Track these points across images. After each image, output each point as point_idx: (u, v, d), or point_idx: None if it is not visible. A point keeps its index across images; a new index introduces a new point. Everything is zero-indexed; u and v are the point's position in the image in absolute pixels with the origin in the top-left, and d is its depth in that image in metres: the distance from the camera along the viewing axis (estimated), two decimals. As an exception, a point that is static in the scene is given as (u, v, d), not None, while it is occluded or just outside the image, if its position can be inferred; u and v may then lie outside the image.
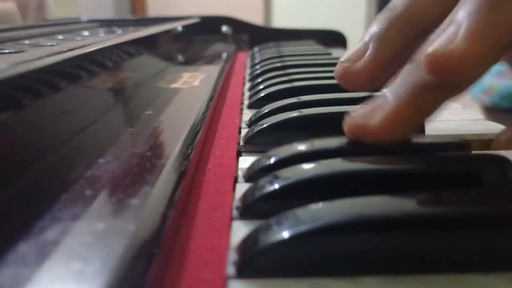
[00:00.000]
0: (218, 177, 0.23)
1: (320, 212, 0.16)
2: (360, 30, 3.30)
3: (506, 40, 0.19)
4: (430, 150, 0.23)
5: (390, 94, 0.21)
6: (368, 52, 0.25)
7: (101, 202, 0.17)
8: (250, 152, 0.27)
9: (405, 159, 0.20)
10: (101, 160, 0.21)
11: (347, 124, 0.22)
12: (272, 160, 0.22)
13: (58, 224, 0.15)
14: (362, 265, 0.15)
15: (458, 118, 0.33)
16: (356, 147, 0.22)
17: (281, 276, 0.15)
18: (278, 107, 0.32)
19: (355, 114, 0.22)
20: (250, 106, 0.39)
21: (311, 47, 0.74)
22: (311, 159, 0.20)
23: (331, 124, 0.27)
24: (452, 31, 0.19)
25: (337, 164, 0.20)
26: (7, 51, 0.29)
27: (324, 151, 0.22)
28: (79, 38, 0.44)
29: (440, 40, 0.19)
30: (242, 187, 0.22)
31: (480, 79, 0.20)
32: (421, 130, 0.28)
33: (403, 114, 0.20)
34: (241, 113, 0.37)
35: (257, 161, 0.24)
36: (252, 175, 0.23)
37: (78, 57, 0.31)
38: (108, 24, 0.77)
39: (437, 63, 0.19)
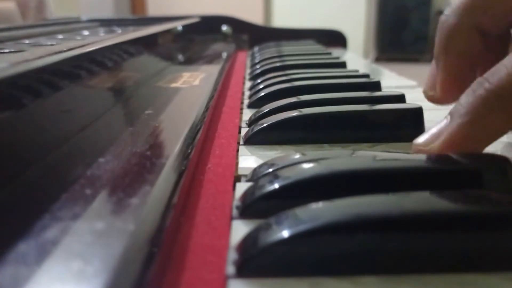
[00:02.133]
0: (218, 177, 0.23)
1: (320, 211, 0.16)
2: (360, 30, 3.30)
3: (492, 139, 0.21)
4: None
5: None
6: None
7: (101, 201, 0.17)
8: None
9: (405, 158, 0.20)
10: (101, 160, 0.21)
11: (413, 151, 0.23)
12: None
13: (58, 223, 0.15)
14: (362, 265, 0.15)
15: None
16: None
17: (281, 276, 0.15)
18: (278, 107, 0.32)
19: (419, 141, 0.23)
20: (250, 106, 0.39)
21: (311, 46, 0.74)
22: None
23: (331, 124, 0.27)
24: (442, 126, 0.22)
25: (337, 164, 0.20)
26: (7, 50, 0.29)
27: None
28: (79, 38, 0.44)
29: (429, 133, 0.22)
30: (242, 187, 0.22)
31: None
32: (421, 123, 0.28)
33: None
34: (241, 113, 0.37)
35: (259, 167, 0.23)
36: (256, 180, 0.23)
37: (78, 56, 0.31)
38: (108, 23, 0.77)
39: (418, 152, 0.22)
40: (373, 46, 3.41)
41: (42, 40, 0.40)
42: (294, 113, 0.29)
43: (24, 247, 0.14)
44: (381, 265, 0.15)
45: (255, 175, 0.23)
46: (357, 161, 0.20)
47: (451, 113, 0.22)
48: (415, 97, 0.40)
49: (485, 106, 0.20)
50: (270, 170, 0.22)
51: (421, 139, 0.22)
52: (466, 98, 0.21)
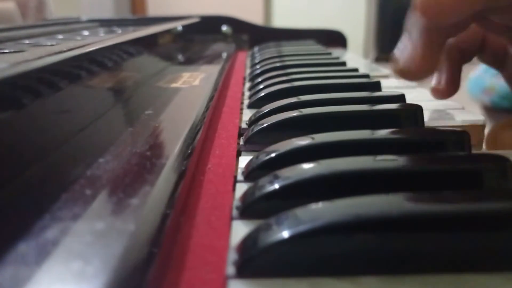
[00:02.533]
0: (218, 177, 0.23)
1: (320, 211, 0.16)
2: (360, 30, 3.30)
3: None
4: (430, 139, 0.24)
5: (407, 40, 0.29)
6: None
7: (101, 201, 0.17)
8: (250, 151, 0.27)
9: (405, 158, 0.20)
10: (101, 160, 0.21)
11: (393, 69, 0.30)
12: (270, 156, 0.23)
13: (58, 223, 0.15)
14: (362, 265, 0.15)
15: (458, 118, 0.33)
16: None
17: (281, 276, 0.15)
18: (278, 107, 0.32)
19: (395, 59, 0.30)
20: (250, 106, 0.39)
21: (311, 47, 0.74)
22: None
23: (331, 124, 0.27)
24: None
25: (337, 164, 0.20)
26: (7, 50, 0.29)
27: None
28: (79, 38, 0.44)
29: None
30: (242, 187, 0.22)
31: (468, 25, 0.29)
32: (421, 123, 0.28)
33: (419, 54, 0.28)
34: (241, 113, 0.37)
35: (255, 157, 0.24)
36: (251, 171, 0.23)
37: (78, 56, 0.31)
38: (108, 23, 0.77)
39: (422, 8, 0.26)
40: (373, 46, 3.41)
41: (42, 40, 0.40)
42: (294, 113, 0.29)
43: (24, 247, 0.14)
44: (381, 265, 0.15)
45: (251, 165, 0.23)
46: (357, 162, 0.20)
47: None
48: (415, 97, 0.40)
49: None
50: (266, 158, 0.22)
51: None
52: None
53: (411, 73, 0.29)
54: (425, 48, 0.28)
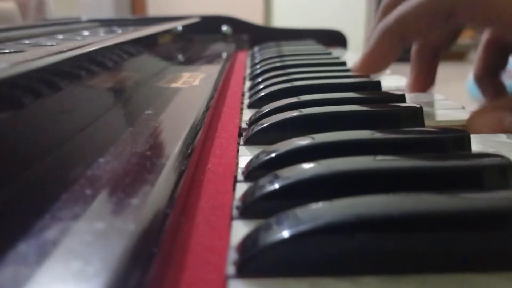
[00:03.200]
0: (218, 177, 0.23)
1: (320, 211, 0.16)
2: (360, 30, 3.30)
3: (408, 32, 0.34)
4: (430, 139, 0.24)
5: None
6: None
7: (101, 201, 0.17)
8: (250, 151, 0.27)
9: (405, 158, 0.20)
10: (101, 160, 0.21)
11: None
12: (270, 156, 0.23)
13: (58, 223, 0.15)
14: (362, 265, 0.15)
15: (458, 117, 0.33)
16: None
17: (281, 276, 0.15)
18: (278, 107, 0.32)
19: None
20: (250, 106, 0.39)
21: (311, 46, 0.74)
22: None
23: (331, 124, 0.27)
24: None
25: (337, 164, 0.20)
26: (7, 50, 0.29)
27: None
28: (79, 38, 0.44)
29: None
30: (242, 187, 0.22)
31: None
32: (421, 123, 0.28)
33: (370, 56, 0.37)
34: (241, 113, 0.37)
35: (256, 157, 0.24)
36: (251, 171, 0.23)
37: (78, 56, 0.31)
38: (108, 23, 0.77)
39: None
40: (373, 46, 3.40)
41: (42, 40, 0.40)
42: (294, 113, 0.29)
43: (24, 247, 0.14)
44: (381, 265, 0.15)
45: (251, 165, 0.23)
46: (358, 161, 0.20)
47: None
48: (415, 97, 0.40)
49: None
50: (266, 158, 0.22)
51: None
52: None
53: (361, 70, 0.36)
54: (377, 52, 0.34)
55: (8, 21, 0.78)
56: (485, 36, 0.41)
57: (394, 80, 0.50)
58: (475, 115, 0.31)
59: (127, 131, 0.28)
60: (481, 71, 0.42)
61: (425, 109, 0.29)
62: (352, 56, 0.75)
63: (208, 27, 0.92)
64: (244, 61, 0.69)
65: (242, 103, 0.41)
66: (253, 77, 0.51)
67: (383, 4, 0.41)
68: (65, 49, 0.30)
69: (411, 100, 0.39)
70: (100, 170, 0.20)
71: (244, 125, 0.33)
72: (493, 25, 0.32)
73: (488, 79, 0.42)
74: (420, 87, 0.43)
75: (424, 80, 0.43)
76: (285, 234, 0.15)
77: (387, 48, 0.34)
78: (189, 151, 0.24)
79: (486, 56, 0.41)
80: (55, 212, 0.16)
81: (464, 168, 0.19)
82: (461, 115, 0.34)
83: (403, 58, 0.43)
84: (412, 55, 0.44)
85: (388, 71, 0.55)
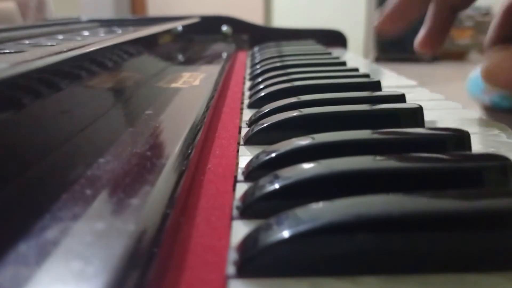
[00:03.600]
0: (218, 177, 0.23)
1: (320, 211, 0.16)
2: (360, 30, 3.30)
3: None
4: (430, 139, 0.24)
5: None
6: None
7: (101, 201, 0.17)
8: (250, 151, 0.27)
9: (405, 158, 0.20)
10: (101, 160, 0.21)
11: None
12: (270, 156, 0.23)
13: (58, 224, 0.15)
14: (362, 265, 0.15)
15: (457, 117, 0.33)
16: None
17: (281, 276, 0.15)
18: (278, 107, 0.32)
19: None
20: (250, 106, 0.39)
21: (311, 46, 0.74)
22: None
23: (331, 124, 0.27)
24: None
25: (338, 164, 0.20)
26: (7, 51, 0.29)
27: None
28: (79, 38, 0.44)
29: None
30: (242, 187, 0.22)
31: None
32: (421, 123, 0.28)
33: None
34: (241, 113, 0.37)
35: (256, 157, 0.24)
36: (251, 171, 0.23)
37: (78, 57, 0.31)
38: (108, 24, 0.77)
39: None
40: (373, 46, 3.41)
41: (42, 40, 0.40)
42: (294, 113, 0.29)
43: (24, 247, 0.14)
44: (381, 265, 0.15)
45: (251, 165, 0.23)
46: (357, 161, 0.20)
47: None
48: (415, 97, 0.40)
49: None
50: (267, 158, 0.22)
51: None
52: None
53: (384, 25, 0.35)
54: (400, 4, 0.33)
55: (8, 21, 0.78)
56: (505, 2, 0.39)
57: (394, 80, 0.50)
58: (493, 58, 0.29)
59: (127, 131, 0.28)
60: (495, 38, 0.39)
61: (425, 109, 0.29)
62: (352, 56, 0.75)
63: (208, 27, 0.92)
64: (244, 61, 0.69)
65: (242, 103, 0.41)
66: (253, 77, 0.51)
67: None
68: (65, 49, 0.30)
69: (410, 100, 0.39)
70: (100, 170, 0.20)
71: (244, 125, 0.33)
72: None
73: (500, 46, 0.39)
74: (431, 43, 0.41)
75: (436, 36, 0.41)
76: (285, 234, 0.15)
77: (411, 1, 0.33)
78: (189, 151, 0.24)
79: (503, 22, 0.39)
80: (55, 212, 0.16)
81: (464, 168, 0.19)
82: (461, 115, 0.34)
83: (404, 58, 0.43)
84: (429, 10, 0.42)
85: (388, 71, 0.55)
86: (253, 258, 0.15)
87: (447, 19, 0.40)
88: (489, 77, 0.28)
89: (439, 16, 0.40)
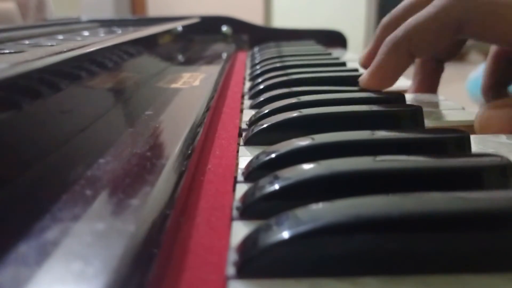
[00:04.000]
0: (218, 177, 0.23)
1: (320, 212, 0.16)
2: (360, 30, 3.30)
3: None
4: (430, 139, 0.24)
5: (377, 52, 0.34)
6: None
7: (101, 202, 0.17)
8: (250, 152, 0.27)
9: (405, 159, 0.20)
10: (101, 160, 0.21)
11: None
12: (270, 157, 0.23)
13: (58, 224, 0.15)
14: (362, 265, 0.15)
15: (457, 117, 0.33)
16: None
17: (281, 276, 0.15)
18: (278, 107, 0.32)
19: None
20: (250, 106, 0.39)
21: (311, 47, 0.74)
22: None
23: (331, 124, 0.27)
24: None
25: (337, 165, 0.20)
26: (7, 51, 0.29)
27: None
28: (79, 38, 0.44)
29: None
30: (242, 187, 0.22)
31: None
32: (421, 123, 0.28)
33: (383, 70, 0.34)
34: (241, 113, 0.37)
35: (256, 158, 0.24)
36: (251, 172, 0.23)
37: (78, 57, 0.31)
38: (108, 24, 0.77)
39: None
40: (373, 46, 3.40)
41: (42, 40, 0.40)
42: (294, 113, 0.29)
43: (24, 248, 0.14)
44: (381, 265, 0.15)
45: (251, 166, 0.23)
46: (357, 162, 0.20)
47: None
48: (415, 98, 0.40)
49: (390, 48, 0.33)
50: (266, 158, 0.22)
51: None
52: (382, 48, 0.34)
53: (369, 86, 0.35)
54: (384, 67, 0.33)
55: (8, 21, 0.78)
56: (493, 48, 0.41)
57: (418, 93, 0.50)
58: (487, 111, 0.30)
59: (127, 131, 0.28)
60: (489, 84, 0.41)
61: (425, 109, 0.29)
62: (352, 56, 0.75)
63: (208, 27, 0.92)
64: (244, 62, 0.69)
65: (242, 103, 0.41)
66: (253, 78, 0.51)
67: (384, 20, 0.40)
68: (65, 50, 0.30)
69: (411, 100, 0.39)
70: (100, 170, 0.20)
71: (244, 126, 0.33)
72: (502, 41, 0.31)
73: (495, 92, 0.41)
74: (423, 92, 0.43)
75: (427, 88, 0.43)
76: (285, 234, 0.15)
77: (395, 62, 0.33)
78: (189, 151, 0.24)
79: (495, 68, 0.41)
80: (56, 213, 0.16)
81: (464, 168, 0.19)
82: (461, 116, 0.34)
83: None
84: (416, 64, 0.44)
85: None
86: (253, 259, 0.15)
87: (435, 70, 0.43)
88: (482, 131, 0.29)
89: (427, 68, 0.43)
